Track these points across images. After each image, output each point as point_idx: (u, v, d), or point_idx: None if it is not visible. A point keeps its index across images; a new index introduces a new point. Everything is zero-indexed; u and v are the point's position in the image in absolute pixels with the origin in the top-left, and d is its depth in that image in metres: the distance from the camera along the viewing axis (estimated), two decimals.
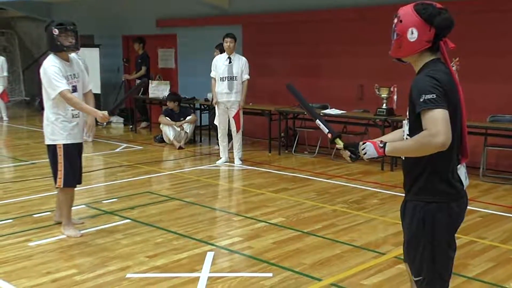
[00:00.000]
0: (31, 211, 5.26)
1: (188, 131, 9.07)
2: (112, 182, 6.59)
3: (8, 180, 6.51)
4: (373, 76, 7.88)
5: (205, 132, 9.79)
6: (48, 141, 4.48)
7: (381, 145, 2.32)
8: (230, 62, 7.46)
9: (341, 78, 8.73)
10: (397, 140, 2.47)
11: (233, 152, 7.74)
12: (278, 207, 5.46)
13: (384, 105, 7.31)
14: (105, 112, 4.54)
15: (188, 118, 9.11)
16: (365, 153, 2.36)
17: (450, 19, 2.29)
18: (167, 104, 9.30)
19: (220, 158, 7.72)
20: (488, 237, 4.54)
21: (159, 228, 4.74)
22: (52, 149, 4.47)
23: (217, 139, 7.80)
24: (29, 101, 14.87)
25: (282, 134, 8.63)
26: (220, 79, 7.47)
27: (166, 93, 9.91)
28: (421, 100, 2.18)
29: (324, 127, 2.71)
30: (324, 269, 3.82)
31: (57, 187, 4.53)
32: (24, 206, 5.44)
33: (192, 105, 9.73)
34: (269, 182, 6.55)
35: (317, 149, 8.16)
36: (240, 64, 7.49)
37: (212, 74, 7.58)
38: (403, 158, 2.42)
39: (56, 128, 4.43)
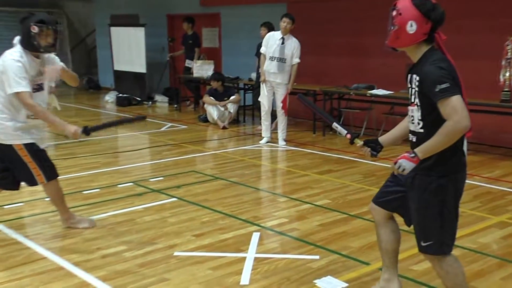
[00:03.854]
0: (80, 187, 5.40)
1: (232, 111, 9.06)
2: (158, 161, 6.68)
3: (59, 157, 6.69)
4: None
5: (248, 112, 9.76)
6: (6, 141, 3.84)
7: (412, 155, 2.50)
8: (283, 43, 7.32)
9: (388, 58, 8.42)
10: (398, 134, 2.86)
11: (277, 132, 7.68)
12: (323, 189, 5.39)
13: None
14: (78, 129, 3.83)
15: (232, 97, 9.10)
16: (403, 170, 2.52)
17: (444, 14, 2.53)
18: (211, 83, 9.31)
19: (263, 138, 7.68)
20: None
21: (205, 207, 4.77)
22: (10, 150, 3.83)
23: (260, 119, 7.76)
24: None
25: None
26: (270, 58, 7.34)
27: (210, 72, 9.91)
28: (437, 90, 2.40)
29: (342, 129, 2.94)
30: (372, 253, 3.75)
31: (43, 185, 4.01)
32: (74, 183, 5.59)
33: (236, 85, 9.70)
34: (314, 163, 6.48)
35: (362, 130, 8.01)
36: (293, 46, 7.33)
37: (263, 50, 7.44)
38: (414, 140, 2.62)
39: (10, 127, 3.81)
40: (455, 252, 3.29)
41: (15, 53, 3.75)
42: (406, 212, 2.80)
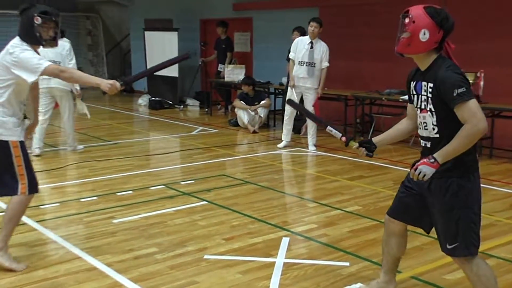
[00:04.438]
0: (114, 189, 5.51)
1: (262, 115, 9.09)
2: (189, 164, 6.76)
3: (94, 159, 6.85)
4: (457, 61, 7.47)
5: (279, 117, 9.75)
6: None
7: (432, 160, 2.52)
8: (311, 47, 7.33)
9: None
10: (392, 135, 2.96)
11: (307, 137, 7.67)
12: (354, 195, 5.36)
13: None
14: (115, 82, 3.48)
15: (262, 102, 9.13)
16: (424, 176, 2.54)
17: (454, 24, 2.60)
18: (242, 88, 9.36)
19: (282, 141, 7.69)
20: None
21: (235, 211, 4.80)
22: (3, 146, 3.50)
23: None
24: (121, 77, 15.54)
25: (358, 120, 8.44)
26: (299, 63, 7.37)
27: (241, 77, 9.98)
28: (455, 94, 2.47)
29: (336, 132, 3.02)
30: (403, 261, 3.68)
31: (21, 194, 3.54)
32: (108, 184, 5.71)
33: (266, 89, 9.73)
34: (344, 169, 6.44)
35: None
36: (321, 50, 7.34)
37: (291, 56, 7.47)
38: (428, 145, 2.67)
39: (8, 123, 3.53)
40: (490, 262, 3.23)
41: (19, 43, 3.50)
42: (423, 220, 2.85)
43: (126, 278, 3.45)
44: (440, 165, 2.54)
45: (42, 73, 3.46)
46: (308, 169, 6.69)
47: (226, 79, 10.43)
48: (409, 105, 2.90)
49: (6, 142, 3.48)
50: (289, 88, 7.59)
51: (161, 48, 12.20)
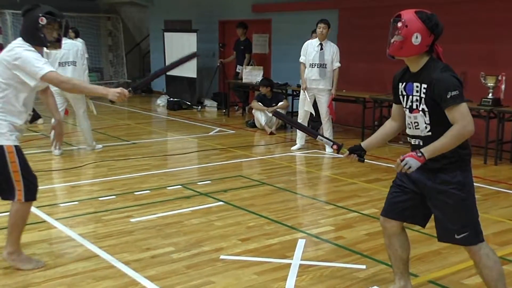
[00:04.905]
0: (132, 188, 5.56)
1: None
2: (206, 165, 6.79)
3: (112, 158, 6.93)
4: (476, 63, 7.38)
5: (296, 119, 9.71)
6: None
7: (419, 154, 2.65)
8: (321, 48, 7.35)
9: None
10: (379, 138, 3.09)
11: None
12: (371, 197, 5.33)
13: (490, 94, 6.84)
14: (123, 89, 3.35)
15: (280, 103, 9.13)
16: (409, 167, 2.67)
17: (443, 28, 2.74)
18: (260, 89, 9.37)
19: (296, 144, 7.68)
20: None
21: (251, 212, 4.81)
22: None
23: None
24: (130, 83, 15.70)
25: (376, 123, 8.38)
26: (310, 65, 7.40)
27: (259, 78, 9.99)
28: (448, 96, 2.60)
29: (327, 141, 3.15)
30: (421, 265, 3.68)
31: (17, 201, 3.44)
32: (126, 183, 5.77)
33: (284, 91, 9.73)
34: (361, 172, 6.41)
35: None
36: (332, 51, 7.36)
37: (302, 59, 7.50)
38: (421, 143, 2.77)
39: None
40: (509, 268, 3.19)
41: (22, 43, 3.39)
42: (419, 216, 2.97)
43: (143, 276, 3.48)
44: (441, 161, 2.69)
45: (43, 78, 3.32)
46: (325, 171, 6.67)
47: (244, 80, 10.45)
48: (394, 105, 3.03)
49: (1, 147, 3.34)
50: (301, 91, 7.61)
51: (180, 49, 12.27)
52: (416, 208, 2.94)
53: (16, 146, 3.39)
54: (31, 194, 3.47)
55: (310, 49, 7.42)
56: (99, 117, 9.01)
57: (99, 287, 3.35)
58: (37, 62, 3.33)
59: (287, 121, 3.65)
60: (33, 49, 3.40)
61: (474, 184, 2.85)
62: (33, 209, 4.77)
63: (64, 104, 7.10)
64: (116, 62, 16.17)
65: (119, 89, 3.35)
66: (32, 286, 3.34)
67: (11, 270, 3.53)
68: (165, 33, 12.87)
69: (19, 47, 3.37)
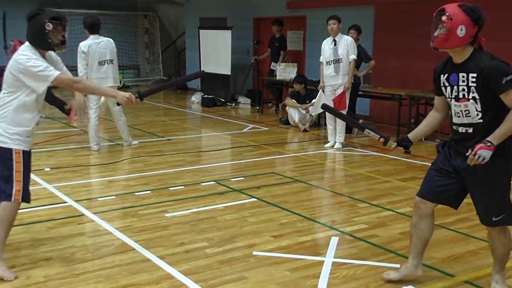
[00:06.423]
0: (167, 184, 5.65)
1: (313, 114, 9.05)
2: (239, 161, 6.83)
3: (148, 154, 7.05)
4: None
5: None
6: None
7: (489, 144, 2.76)
8: (335, 44, 7.39)
9: None
10: (426, 129, 3.25)
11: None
12: (406, 196, 5.25)
13: None
14: (131, 94, 3.51)
15: (313, 100, 9.08)
16: (483, 159, 2.77)
17: (485, 20, 2.85)
18: (294, 86, 9.36)
19: (328, 141, 7.64)
20: None
21: (284, 209, 4.82)
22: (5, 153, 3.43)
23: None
24: (166, 80, 15.91)
25: (412, 120, 8.25)
26: (327, 63, 7.48)
27: (293, 75, 9.97)
28: (504, 82, 2.74)
29: (374, 134, 3.25)
30: (457, 265, 3.61)
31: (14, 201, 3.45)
32: (161, 179, 5.86)
33: (318, 88, 9.66)
34: (397, 170, 6.32)
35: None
36: (345, 44, 7.36)
37: (321, 59, 7.59)
38: (470, 131, 2.90)
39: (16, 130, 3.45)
40: None
41: (28, 50, 3.46)
42: (453, 200, 3.12)
43: (177, 270, 3.54)
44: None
45: (55, 82, 3.40)
46: (359, 169, 6.61)
47: (278, 77, 10.45)
48: (437, 97, 3.18)
49: (10, 149, 3.42)
50: (320, 91, 7.62)
51: (214, 46, 12.38)
52: (454, 191, 3.08)
53: (24, 151, 3.46)
54: (27, 196, 3.53)
55: (326, 47, 7.51)
56: (135, 114, 9.15)
57: (135, 279, 3.42)
58: (42, 68, 3.39)
59: (335, 114, 3.84)
60: (37, 56, 3.44)
61: None
62: (72, 202, 4.95)
63: (99, 100, 7.24)
64: (152, 59, 16.42)
65: (127, 94, 3.53)
66: (71, 277, 3.45)
67: (54, 261, 3.66)
68: (201, 31, 12.99)
69: (23, 55, 3.43)
